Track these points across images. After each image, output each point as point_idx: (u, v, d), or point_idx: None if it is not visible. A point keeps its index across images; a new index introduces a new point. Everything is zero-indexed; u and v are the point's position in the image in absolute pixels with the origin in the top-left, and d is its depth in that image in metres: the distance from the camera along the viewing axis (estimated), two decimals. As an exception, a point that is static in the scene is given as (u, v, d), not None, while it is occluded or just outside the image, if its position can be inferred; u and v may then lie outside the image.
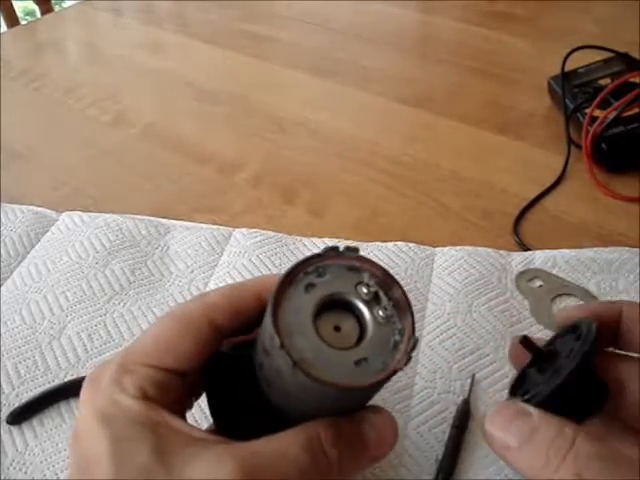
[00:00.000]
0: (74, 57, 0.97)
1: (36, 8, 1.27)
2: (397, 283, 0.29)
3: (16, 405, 0.43)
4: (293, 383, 0.27)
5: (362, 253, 0.28)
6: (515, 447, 0.28)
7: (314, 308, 0.27)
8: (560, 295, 0.49)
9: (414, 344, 0.28)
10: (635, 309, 0.31)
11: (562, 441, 0.26)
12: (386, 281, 0.29)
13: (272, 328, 0.26)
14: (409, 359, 0.27)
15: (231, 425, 0.32)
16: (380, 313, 0.28)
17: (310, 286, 0.28)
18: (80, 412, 0.30)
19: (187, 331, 0.31)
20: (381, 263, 0.52)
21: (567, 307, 0.33)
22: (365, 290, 0.29)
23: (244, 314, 0.32)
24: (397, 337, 0.28)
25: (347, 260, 0.29)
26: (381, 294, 0.29)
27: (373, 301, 0.29)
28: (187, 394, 0.33)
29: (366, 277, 0.29)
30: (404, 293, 0.29)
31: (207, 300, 0.32)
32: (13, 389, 0.44)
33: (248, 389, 0.31)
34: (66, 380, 0.45)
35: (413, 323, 0.28)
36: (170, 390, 0.30)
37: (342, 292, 0.28)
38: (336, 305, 0.28)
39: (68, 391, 0.44)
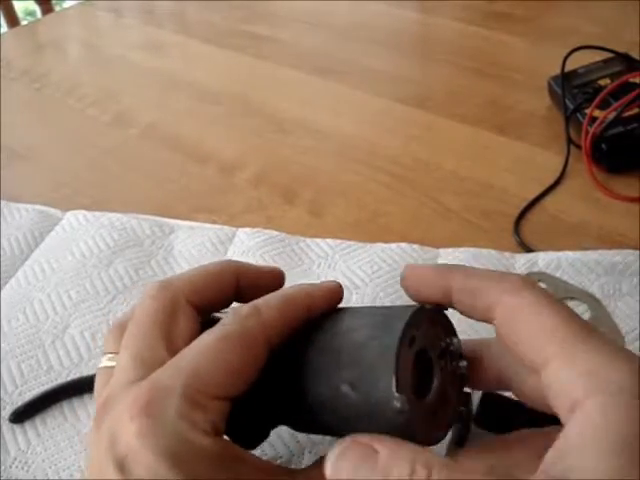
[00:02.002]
0: (75, 57, 0.97)
1: (37, 8, 1.27)
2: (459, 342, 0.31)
3: (19, 404, 0.43)
4: (375, 423, 0.27)
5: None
6: None
7: (413, 363, 0.28)
8: (564, 299, 0.48)
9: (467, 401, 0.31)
10: (463, 283, 0.30)
11: None
12: (454, 338, 0.31)
13: (394, 392, 0.26)
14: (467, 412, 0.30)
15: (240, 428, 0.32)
16: (447, 366, 0.30)
17: (412, 341, 0.28)
18: (133, 446, 0.26)
19: (249, 356, 0.29)
20: (383, 264, 0.52)
21: (407, 272, 0.32)
22: (443, 344, 0.30)
23: (294, 329, 0.31)
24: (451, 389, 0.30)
25: (432, 315, 0.30)
26: (452, 349, 0.30)
27: (444, 355, 0.30)
28: None
29: (443, 333, 0.30)
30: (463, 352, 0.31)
31: (264, 319, 0.30)
32: (16, 387, 0.44)
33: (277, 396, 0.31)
34: (69, 379, 0.45)
35: (465, 379, 0.31)
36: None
37: (428, 347, 0.29)
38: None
39: (71, 390, 0.44)
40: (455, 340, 0.31)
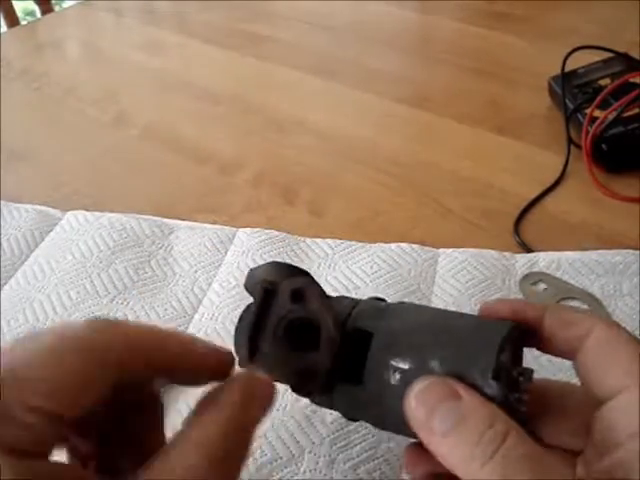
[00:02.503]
0: (74, 57, 0.97)
1: (36, 8, 1.27)
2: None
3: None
4: None
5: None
6: (440, 433, 0.26)
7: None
8: (564, 299, 0.49)
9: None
10: (558, 314, 0.30)
11: (492, 436, 0.25)
12: (527, 369, 0.30)
13: (490, 377, 0.27)
14: None
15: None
16: (510, 397, 0.29)
17: (502, 350, 0.28)
18: None
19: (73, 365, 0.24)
20: (383, 264, 0.52)
21: (491, 300, 0.32)
22: (514, 373, 0.30)
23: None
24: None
25: (520, 337, 0.31)
26: (521, 380, 0.30)
27: (511, 383, 0.30)
28: None
29: (514, 362, 0.30)
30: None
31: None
32: (16, 388, 0.44)
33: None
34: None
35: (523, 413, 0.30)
36: None
37: (504, 367, 0.29)
38: None
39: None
40: (527, 372, 0.30)
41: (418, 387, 0.27)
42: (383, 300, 0.35)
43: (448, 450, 0.26)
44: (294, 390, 0.33)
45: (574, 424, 0.30)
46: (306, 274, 0.34)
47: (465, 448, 0.25)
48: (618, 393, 0.27)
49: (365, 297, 0.35)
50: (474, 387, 0.27)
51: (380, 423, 0.33)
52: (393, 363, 0.29)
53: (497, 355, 0.27)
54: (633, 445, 0.25)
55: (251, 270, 0.35)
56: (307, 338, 0.32)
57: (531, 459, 0.25)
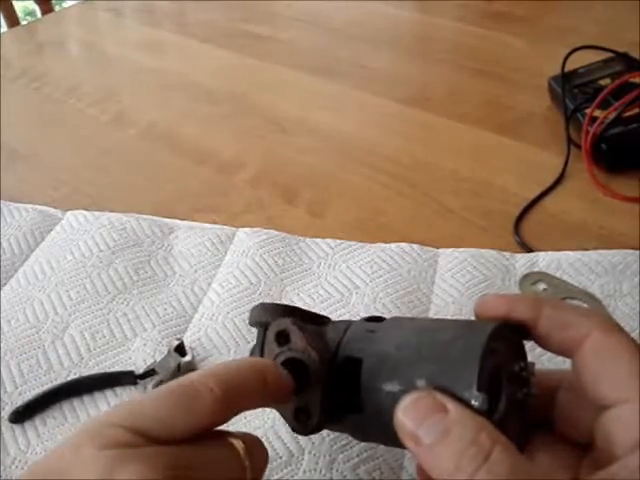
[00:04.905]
0: (74, 57, 0.97)
1: (36, 8, 1.27)
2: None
3: (19, 404, 0.43)
4: None
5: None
6: (426, 444, 0.26)
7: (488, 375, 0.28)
8: (564, 299, 0.49)
9: None
10: (555, 314, 0.30)
11: (477, 450, 0.24)
12: (529, 363, 0.31)
13: (475, 390, 0.27)
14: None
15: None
16: (514, 393, 0.29)
17: (493, 352, 0.28)
18: None
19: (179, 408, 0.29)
20: (383, 264, 0.52)
21: (486, 296, 0.32)
22: (516, 368, 0.30)
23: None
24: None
25: (512, 333, 0.30)
26: (524, 375, 0.30)
27: (514, 379, 0.29)
28: None
29: (515, 357, 0.30)
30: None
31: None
32: (16, 388, 0.44)
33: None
34: (69, 379, 0.45)
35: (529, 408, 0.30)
36: None
37: (502, 366, 0.29)
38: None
39: (71, 390, 0.44)
40: (529, 365, 0.30)
41: (405, 402, 0.27)
42: (378, 319, 0.35)
43: (434, 462, 0.26)
44: (295, 431, 0.34)
45: (578, 418, 0.30)
46: (293, 310, 0.35)
47: (450, 460, 0.25)
48: (617, 403, 0.27)
49: (362, 315, 0.35)
50: (461, 400, 0.27)
51: (384, 443, 0.34)
52: (384, 387, 0.30)
53: (480, 368, 0.27)
54: (632, 460, 0.25)
55: (251, 309, 0.36)
56: (301, 374, 0.32)
57: (516, 474, 0.24)
